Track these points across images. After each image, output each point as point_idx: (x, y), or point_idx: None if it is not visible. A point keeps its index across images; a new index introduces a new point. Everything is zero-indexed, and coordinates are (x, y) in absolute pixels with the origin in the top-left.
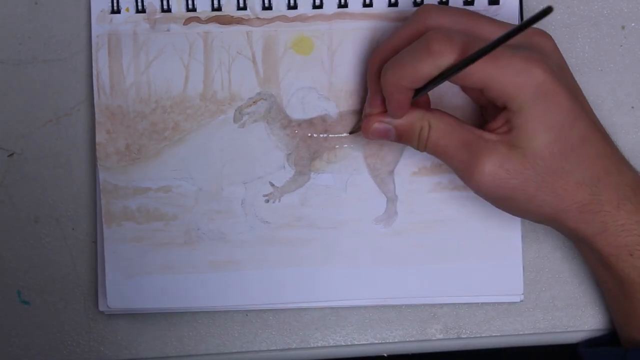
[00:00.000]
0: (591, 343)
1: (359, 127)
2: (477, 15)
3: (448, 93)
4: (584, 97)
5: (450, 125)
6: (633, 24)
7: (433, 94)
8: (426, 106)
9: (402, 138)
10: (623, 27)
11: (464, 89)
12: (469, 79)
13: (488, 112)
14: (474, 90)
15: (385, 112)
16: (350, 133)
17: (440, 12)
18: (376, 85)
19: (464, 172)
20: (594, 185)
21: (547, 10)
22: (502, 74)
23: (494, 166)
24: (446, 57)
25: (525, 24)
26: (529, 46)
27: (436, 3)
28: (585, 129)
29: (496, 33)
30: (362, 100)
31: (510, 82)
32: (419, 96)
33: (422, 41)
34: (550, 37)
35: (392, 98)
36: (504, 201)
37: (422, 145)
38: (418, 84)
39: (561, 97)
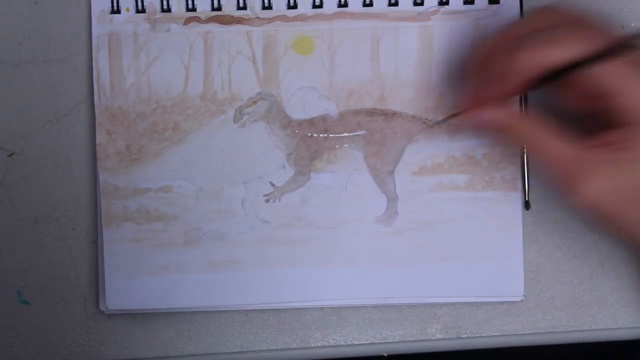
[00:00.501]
0: None
1: (457, 112)
2: (600, 26)
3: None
4: None
5: (557, 135)
6: (633, 24)
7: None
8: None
9: (508, 134)
10: (623, 27)
11: (558, 95)
12: (598, 81)
13: (587, 122)
14: (576, 98)
15: (500, 107)
16: (447, 118)
17: (567, 16)
18: (494, 68)
19: (566, 186)
20: None
21: None
22: (635, 87)
23: (603, 185)
24: (581, 49)
25: None
26: None
27: (436, 4)
28: None
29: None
30: (363, 100)
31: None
32: (536, 88)
33: (567, 26)
34: None
35: (514, 78)
36: (600, 220)
37: (523, 147)
38: (547, 68)
39: None
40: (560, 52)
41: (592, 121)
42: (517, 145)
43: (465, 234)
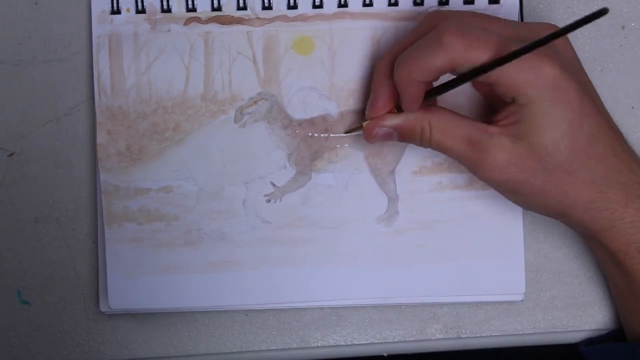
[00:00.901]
0: (592, 342)
1: (357, 127)
2: (485, 16)
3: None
4: (595, 94)
5: (451, 122)
6: (633, 24)
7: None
8: (431, 105)
9: (405, 138)
10: (623, 27)
11: (474, 83)
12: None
13: (497, 106)
14: (484, 85)
15: (385, 114)
16: (347, 133)
17: (450, 14)
18: (382, 86)
19: (471, 167)
20: (602, 183)
21: (603, 11)
22: (512, 69)
23: (500, 160)
24: (456, 49)
25: (575, 25)
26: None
27: (437, 4)
28: (595, 126)
29: (507, 32)
30: (364, 100)
31: (521, 78)
32: (433, 96)
33: (433, 34)
34: None
35: (405, 92)
36: (512, 194)
37: (425, 143)
38: (430, 77)
39: (571, 94)
40: (438, 58)
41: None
42: (421, 140)
43: (465, 234)
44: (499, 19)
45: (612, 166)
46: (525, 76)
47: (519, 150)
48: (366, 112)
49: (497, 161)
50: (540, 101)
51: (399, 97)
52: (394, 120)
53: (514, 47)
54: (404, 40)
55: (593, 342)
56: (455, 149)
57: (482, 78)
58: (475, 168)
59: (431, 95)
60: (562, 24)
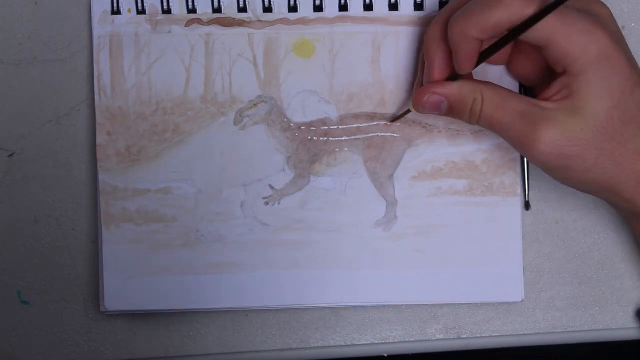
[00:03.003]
0: None
1: (404, 112)
2: None
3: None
4: (638, 66)
5: (503, 96)
6: (633, 24)
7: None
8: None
9: (454, 111)
10: (623, 27)
11: (513, 66)
12: (535, 34)
13: (541, 84)
14: (527, 64)
15: (437, 82)
16: (392, 121)
17: None
18: (435, 52)
19: (522, 142)
20: None
21: None
22: (567, 32)
23: (554, 134)
24: (515, 5)
25: None
26: (589, 12)
27: (437, 4)
28: None
29: None
30: (363, 104)
31: (575, 42)
32: (487, 58)
33: None
34: (607, 6)
35: (460, 50)
36: (562, 171)
37: (475, 117)
38: (486, 34)
39: (622, 63)
40: (497, 14)
41: (546, 86)
42: (469, 113)
43: (464, 239)
44: None
45: None
46: (580, 41)
47: (573, 124)
48: (416, 84)
49: (550, 136)
50: (594, 69)
51: (452, 68)
52: (446, 89)
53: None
54: (452, 4)
55: None
56: (506, 122)
57: (536, 40)
58: (525, 143)
59: (484, 56)
60: None
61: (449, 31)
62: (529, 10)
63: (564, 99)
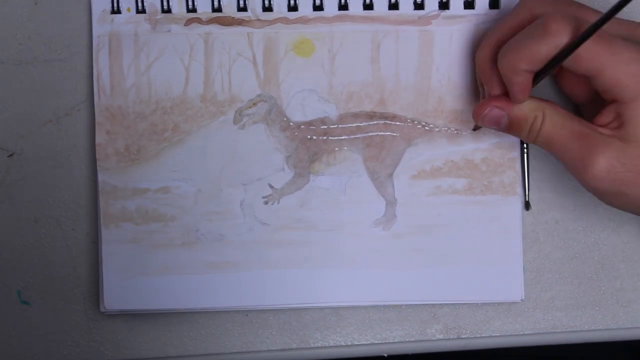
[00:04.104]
0: None
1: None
2: (579, 3)
3: None
4: None
5: (564, 117)
6: None
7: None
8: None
9: (514, 128)
10: None
11: (562, 83)
12: (583, 64)
13: (586, 109)
14: (576, 84)
15: (501, 96)
16: (475, 129)
17: (545, 1)
18: (488, 75)
19: (576, 165)
20: None
21: None
22: (615, 61)
23: (610, 159)
24: (563, 37)
25: None
26: (635, 39)
27: (437, 4)
28: None
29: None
30: (362, 103)
31: (624, 70)
32: (540, 80)
33: (539, 23)
34: None
35: (513, 82)
36: (616, 196)
37: (533, 135)
38: (536, 66)
39: None
40: (545, 47)
41: (596, 106)
42: (528, 129)
43: (463, 238)
44: (591, 8)
45: None
46: (629, 70)
47: (628, 150)
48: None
49: (605, 160)
50: None
51: None
52: (509, 104)
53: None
54: (500, 27)
55: None
56: (564, 143)
57: (585, 69)
58: (580, 166)
59: (536, 81)
60: None
61: (500, 64)
62: (575, 37)
63: (618, 127)
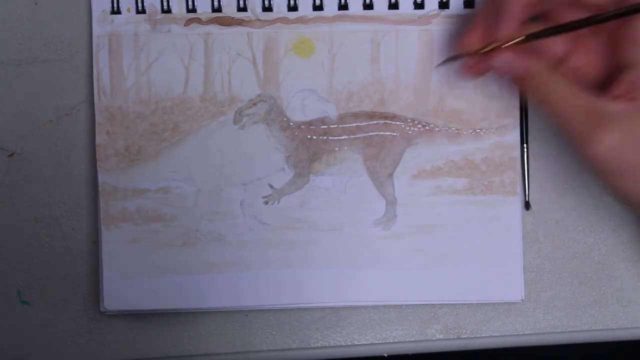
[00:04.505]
0: None
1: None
2: None
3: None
4: None
5: (571, 88)
6: None
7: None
8: None
9: (524, 80)
10: None
11: (577, 55)
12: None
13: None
14: (593, 53)
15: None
16: (439, 64)
17: None
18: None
19: (579, 139)
20: None
21: None
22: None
23: (616, 138)
24: None
25: None
26: None
27: (436, 3)
28: None
29: None
30: (362, 103)
31: None
32: (557, 33)
33: None
34: None
35: (510, 10)
36: (616, 175)
37: (539, 96)
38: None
39: None
40: None
41: (608, 82)
42: (532, 92)
43: (463, 238)
44: None
45: None
46: None
47: (637, 130)
48: (477, 37)
49: (611, 138)
50: None
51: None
52: (525, 55)
53: None
54: None
55: None
56: (568, 115)
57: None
58: (583, 141)
59: (556, 30)
60: None
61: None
62: None
63: (631, 100)
